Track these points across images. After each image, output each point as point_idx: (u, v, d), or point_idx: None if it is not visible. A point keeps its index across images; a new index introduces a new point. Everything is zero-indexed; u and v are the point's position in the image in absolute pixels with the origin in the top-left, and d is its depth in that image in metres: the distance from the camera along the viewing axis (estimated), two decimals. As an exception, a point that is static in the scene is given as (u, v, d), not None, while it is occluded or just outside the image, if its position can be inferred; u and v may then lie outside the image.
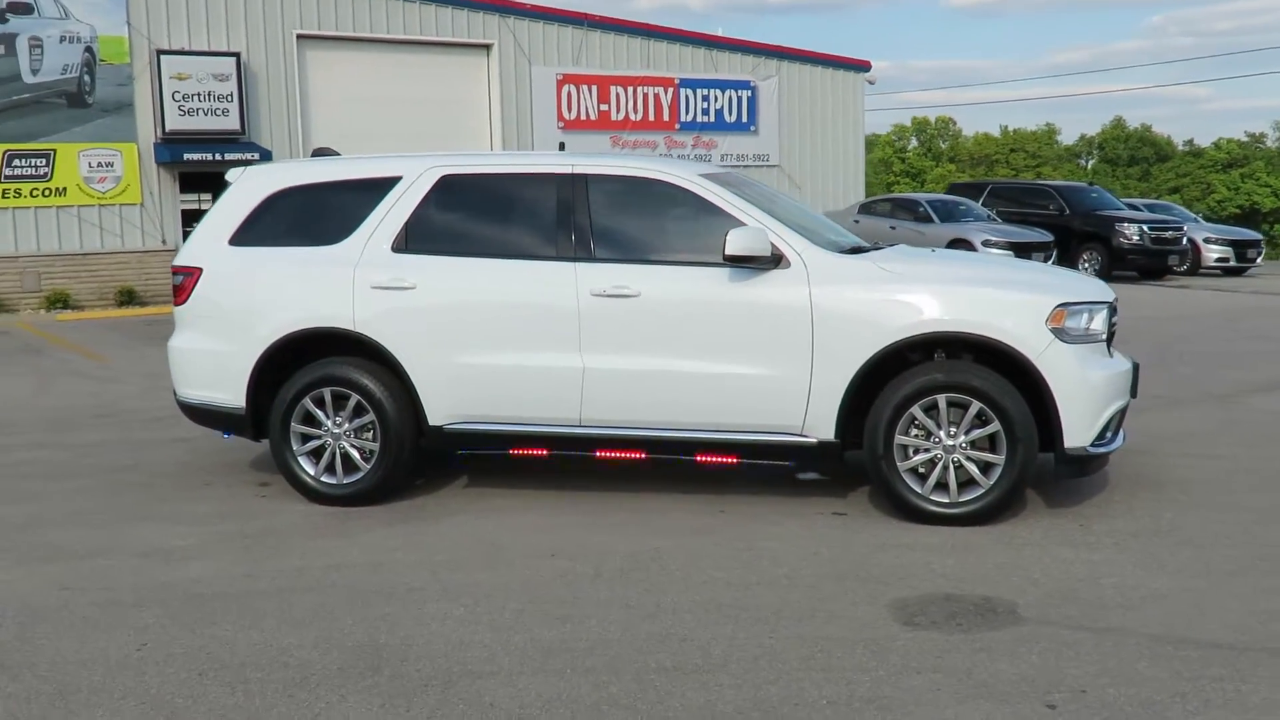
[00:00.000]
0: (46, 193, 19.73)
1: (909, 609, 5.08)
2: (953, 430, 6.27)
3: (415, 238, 6.90)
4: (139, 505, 7.09)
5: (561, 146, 9.28)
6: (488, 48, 23.58)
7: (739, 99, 26.45)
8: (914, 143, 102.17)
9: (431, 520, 6.64)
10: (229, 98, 20.74)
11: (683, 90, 25.77)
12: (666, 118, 25.62)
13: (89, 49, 20.01)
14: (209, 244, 7.25)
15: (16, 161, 19.45)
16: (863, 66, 28.38)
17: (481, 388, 6.76)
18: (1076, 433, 6.22)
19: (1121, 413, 6.56)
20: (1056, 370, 6.17)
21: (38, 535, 6.49)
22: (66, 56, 19.86)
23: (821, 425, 6.41)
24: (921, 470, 6.34)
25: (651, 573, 5.64)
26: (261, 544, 6.25)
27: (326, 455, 6.97)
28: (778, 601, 5.20)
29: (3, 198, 19.38)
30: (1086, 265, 23.66)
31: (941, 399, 6.25)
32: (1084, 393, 6.20)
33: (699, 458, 6.73)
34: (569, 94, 24.40)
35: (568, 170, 6.83)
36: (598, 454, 6.82)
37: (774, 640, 4.75)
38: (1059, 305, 6.23)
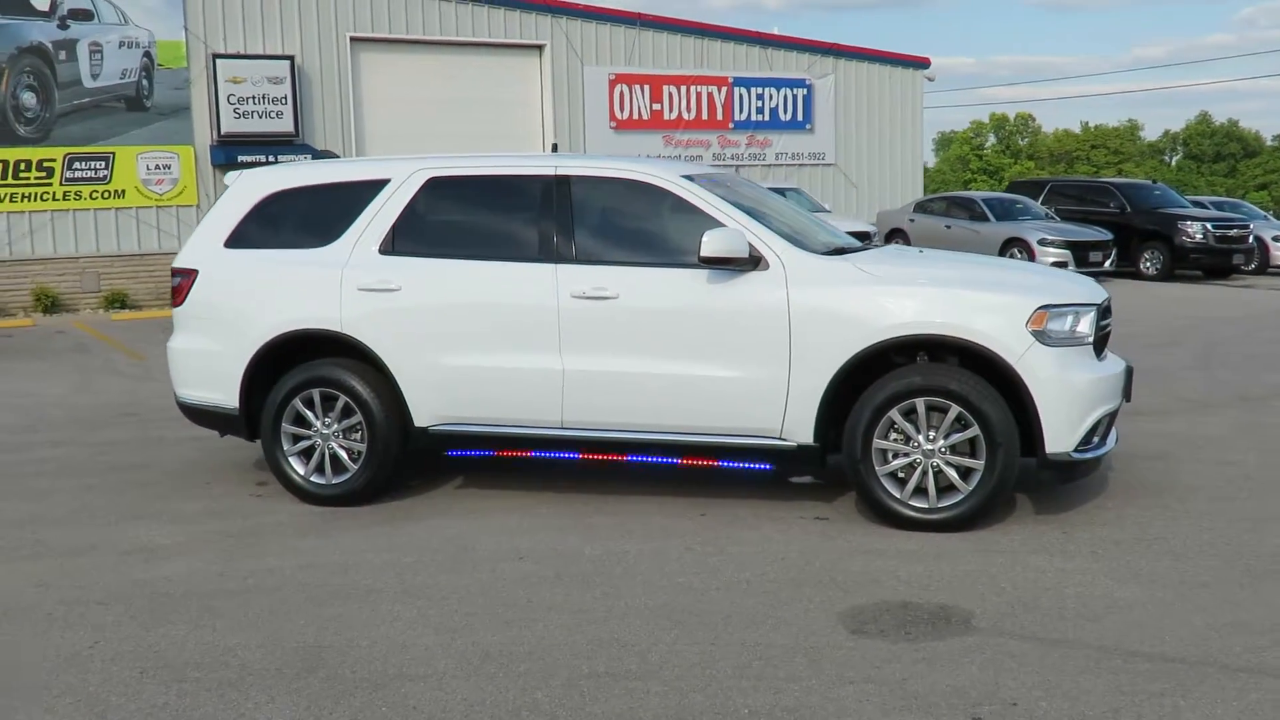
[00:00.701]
0: (106, 195, 20.17)
1: (861, 617, 5.00)
2: (932, 434, 6.16)
3: (402, 240, 6.94)
4: (137, 504, 7.21)
5: (554, 148, 9.27)
6: (540, 48, 23.66)
7: (794, 97, 26.26)
8: (992, 140, 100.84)
9: (413, 521, 6.67)
10: (283, 100, 21.04)
11: (736, 89, 25.64)
12: (720, 117, 25.51)
13: (147, 54, 20.41)
14: (205, 246, 7.35)
15: (77, 164, 19.91)
16: (922, 63, 28.02)
17: (465, 390, 6.78)
18: (1059, 438, 6.08)
19: (1110, 417, 6.40)
20: (1037, 374, 6.03)
21: (32, 532, 6.62)
22: (125, 61, 20.28)
23: (800, 429, 6.33)
24: (901, 475, 6.24)
25: (613, 576, 5.61)
26: (242, 544, 6.32)
27: (316, 456, 7.04)
28: (730, 607, 5.15)
29: (64, 200, 19.85)
30: (1148, 264, 23.16)
31: (920, 403, 6.14)
32: (1066, 397, 6.06)
33: (680, 461, 6.68)
34: (621, 94, 24.41)
35: (550, 172, 6.82)
36: (580, 457, 6.80)
37: (714, 647, 4.71)
38: (1040, 307, 6.09)
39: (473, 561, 5.90)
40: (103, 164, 20.11)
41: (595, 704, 4.21)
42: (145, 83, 20.43)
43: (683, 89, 25.03)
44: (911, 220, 24.85)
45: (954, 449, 6.15)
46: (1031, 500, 6.74)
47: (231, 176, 7.56)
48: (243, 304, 7.14)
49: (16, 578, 5.83)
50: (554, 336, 6.60)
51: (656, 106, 24.81)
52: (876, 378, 6.30)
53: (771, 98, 26.06)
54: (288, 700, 4.29)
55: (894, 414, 6.18)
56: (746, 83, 25.74)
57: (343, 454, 6.99)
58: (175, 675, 4.55)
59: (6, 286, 19.42)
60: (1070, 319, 6.19)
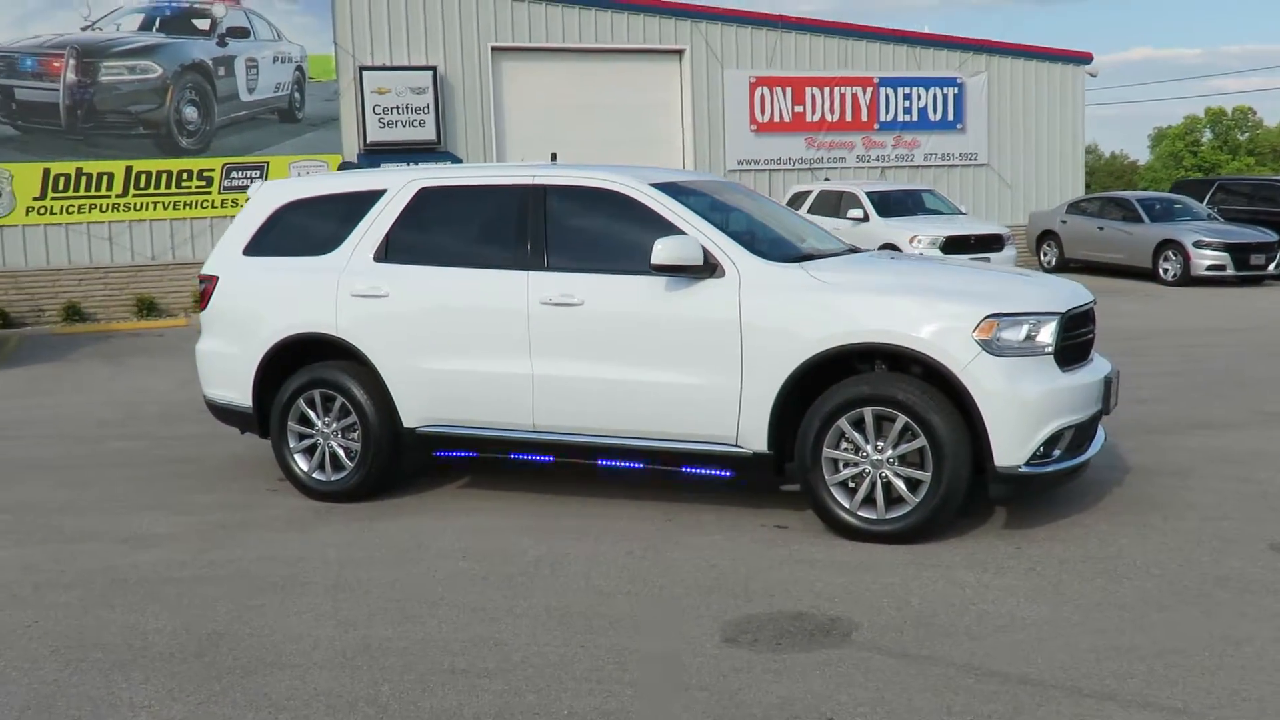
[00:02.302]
0: (259, 202, 21.30)
1: (745, 626, 5.01)
2: (880, 445, 6.07)
3: (395, 248, 7.23)
4: (160, 495, 7.69)
5: (553, 157, 9.41)
6: (679, 53, 23.83)
7: (944, 96, 25.69)
8: (1208, 135, 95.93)
9: (391, 518, 6.94)
10: (425, 109, 21.81)
11: (882, 89, 25.25)
12: (865, 118, 25.16)
13: (299, 67, 21.48)
14: (226, 254, 7.81)
15: (234, 174, 21.09)
16: (1083, 58, 27.00)
17: (446, 392, 7.02)
18: (1007, 451, 5.91)
19: (1079, 430, 6.16)
20: (983, 384, 5.88)
21: (57, 519, 7.16)
22: (279, 75, 21.39)
23: (754, 436, 6.33)
24: (851, 485, 6.17)
25: (538, 578, 5.74)
26: (227, 535, 6.70)
27: (318, 453, 7.39)
28: (625, 612, 5.22)
29: (222, 207, 21.05)
30: (1319, 267, 21.76)
31: (868, 412, 6.07)
32: (1015, 408, 5.88)
33: (645, 466, 6.75)
34: (762, 96, 24.35)
35: (529, 182, 7.00)
36: (554, 460, 6.95)
37: (581, 650, 4.80)
38: (989, 316, 5.93)
39: (417, 559, 6.11)
40: (258, 173, 21.23)
41: (430, 699, 4.36)
42: (297, 95, 21.49)
43: (826, 90, 24.80)
44: (1063, 222, 24.02)
45: (904, 460, 6.05)
46: (1006, 514, 6.55)
47: (253, 188, 8.00)
48: (255, 308, 7.55)
49: (12, 559, 6.33)
50: (525, 342, 6.77)
51: (799, 109, 24.65)
52: (828, 386, 6.24)
53: (920, 97, 25.55)
54: (160, 682, 4.59)
55: (843, 423, 6.12)
56: (893, 82, 25.32)
57: (340, 452, 7.32)
58: (79, 655, 4.90)
59: (169, 289, 20.73)
60: (1025, 328, 6.00)
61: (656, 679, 4.48)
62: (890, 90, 25.31)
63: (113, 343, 17.01)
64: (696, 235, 6.44)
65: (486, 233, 7.10)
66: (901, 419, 5.99)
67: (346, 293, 7.20)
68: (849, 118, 25.05)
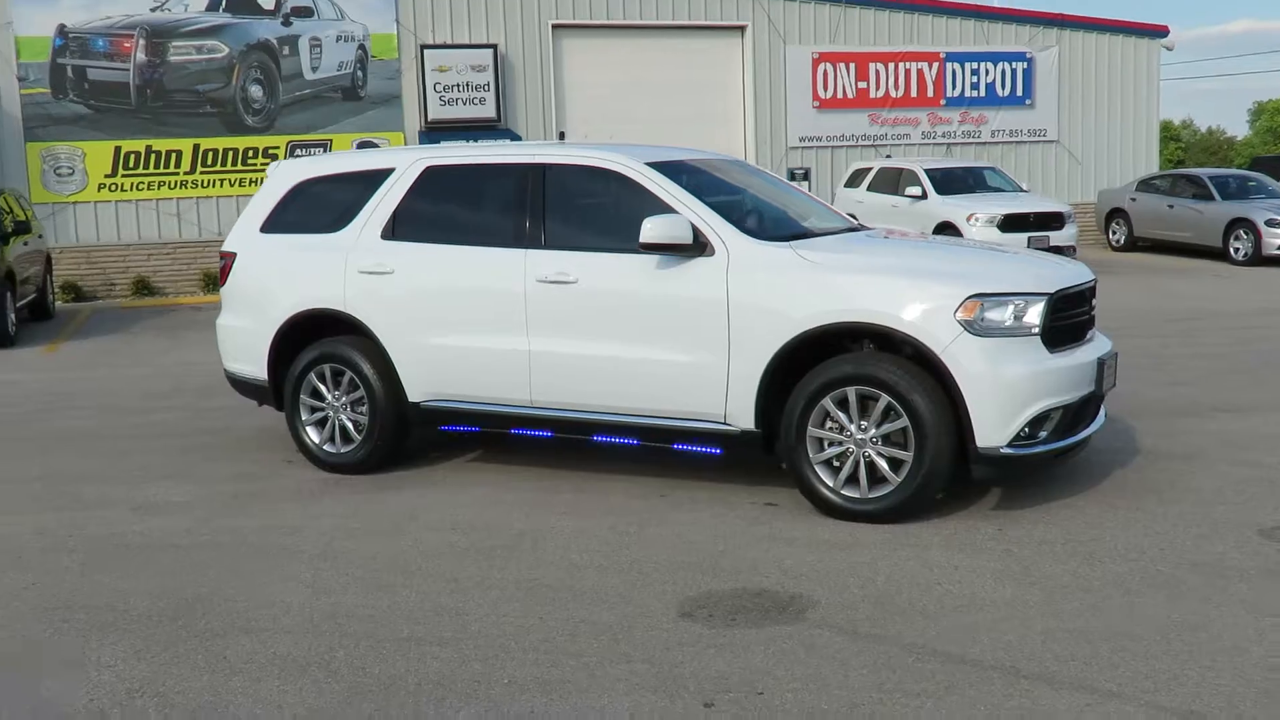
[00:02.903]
0: (323, 179, 21.67)
1: (704, 602, 5.07)
2: (864, 424, 6.08)
3: (401, 225, 7.37)
4: (185, 465, 7.94)
5: (561, 136, 9.46)
6: (741, 29, 23.72)
7: (1013, 71, 25.26)
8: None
9: (395, 490, 7.10)
10: (485, 87, 21.99)
11: (949, 64, 24.90)
12: (931, 94, 24.84)
13: (362, 46, 21.77)
14: (245, 231, 8.01)
15: (299, 152, 21.46)
16: (1159, 32, 26.36)
17: (448, 367, 7.15)
18: (989, 432, 5.89)
19: (1066, 411, 6.10)
20: (963, 364, 5.86)
21: (81, 487, 7.44)
22: (342, 54, 21.71)
23: (742, 414, 6.38)
24: (835, 463, 6.19)
25: (518, 551, 5.86)
26: (236, 504, 6.91)
27: (328, 426, 7.58)
28: (592, 586, 5.31)
29: (287, 184, 21.44)
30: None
31: (851, 391, 6.08)
32: (994, 389, 5.86)
33: (638, 443, 6.82)
34: (825, 72, 24.16)
35: (529, 160, 7.08)
36: (552, 436, 7.05)
37: (537, 621, 4.90)
38: (971, 296, 5.90)
39: (407, 531, 6.26)
40: (321, 151, 21.58)
41: (380, 665, 4.49)
42: (360, 74, 21.79)
43: (891, 66, 24.53)
44: (1133, 199, 23.54)
45: (887, 440, 6.05)
46: (999, 495, 6.52)
47: (272, 167, 8.19)
48: (269, 285, 7.75)
49: (28, 525, 6.60)
50: (522, 318, 6.87)
51: (862, 85, 24.42)
52: (817, 364, 6.26)
53: (988, 72, 25.17)
54: (130, 643, 4.78)
55: (827, 402, 6.14)
56: (960, 57, 24.96)
57: (350, 426, 7.50)
58: (64, 616, 5.12)
59: (234, 264, 21.17)
60: (1010, 309, 5.96)
61: (602, 650, 4.56)
62: (957, 65, 24.96)
63: (173, 317, 17.47)
64: (687, 214, 6.48)
65: (488, 211, 7.21)
66: (884, 398, 5.99)
67: (354, 269, 7.36)
68: (914, 94, 24.76)
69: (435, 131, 21.64)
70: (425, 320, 7.16)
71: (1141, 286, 17.94)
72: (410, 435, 7.61)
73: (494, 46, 22.07)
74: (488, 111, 22.07)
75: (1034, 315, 6.00)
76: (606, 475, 7.21)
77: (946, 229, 19.18)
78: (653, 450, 6.88)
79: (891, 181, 20.84)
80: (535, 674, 4.37)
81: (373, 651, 4.62)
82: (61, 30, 20.30)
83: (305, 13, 21.40)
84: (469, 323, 7.05)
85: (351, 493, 7.08)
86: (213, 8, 20.96)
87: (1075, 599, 4.99)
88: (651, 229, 6.34)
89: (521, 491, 6.97)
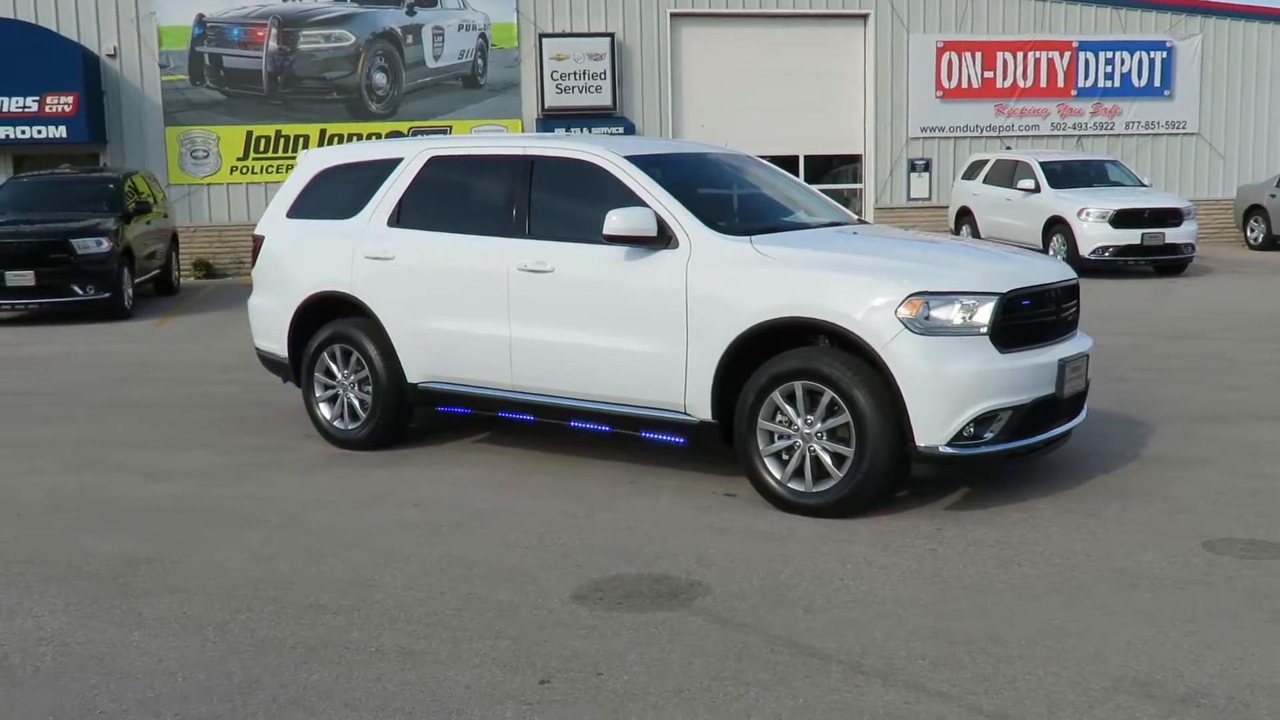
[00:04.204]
0: (442, 165, 22.31)
1: (603, 585, 5.21)
2: (809, 419, 6.12)
3: (406, 213, 7.67)
4: (212, 435, 8.42)
5: (539, 127, 9.56)
6: (863, 18, 23.47)
7: (1150, 61, 24.36)
8: None
9: (387, 466, 7.41)
10: (602, 75, 22.30)
11: (1081, 53, 24.16)
12: (1061, 84, 24.15)
13: (482, 35, 22.33)
14: (273, 216, 8.44)
15: (420, 138, 22.13)
16: (1313, 19, 25.06)
17: (442, 351, 7.43)
18: (928, 430, 5.87)
19: (1016, 413, 6.02)
20: (903, 362, 5.85)
21: (111, 452, 7.97)
22: (463, 43, 22.30)
23: (700, 405, 6.48)
24: (785, 457, 6.24)
25: (464, 528, 6.09)
26: (242, 474, 7.32)
27: (338, 403, 7.95)
28: (512, 565, 5.51)
29: (408, 169, 22.14)
30: None
31: (798, 386, 6.12)
32: (933, 388, 5.83)
33: (610, 430, 6.98)
34: (949, 62, 23.72)
35: (519, 152, 7.30)
36: (535, 420, 7.27)
37: (438, 595, 5.12)
38: (913, 294, 5.88)
39: (374, 506, 6.55)
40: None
41: (270, 628, 4.78)
42: (480, 62, 22.35)
43: (1019, 55, 23.94)
44: (1273, 196, 22.51)
45: (833, 435, 6.08)
46: (965, 493, 6.48)
47: (301, 154, 8.59)
48: (291, 267, 8.16)
49: (44, 484, 7.13)
50: (504, 305, 7.10)
51: (989, 74, 23.91)
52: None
53: (1124, 62, 24.34)
54: (65, 597, 5.16)
55: (776, 395, 6.19)
56: (1094, 46, 24.20)
57: (356, 404, 7.85)
58: (22, 569, 5.55)
59: (356, 245, 21.97)
60: (958, 308, 5.92)
61: (479, 626, 4.76)
62: (1090, 54, 24.22)
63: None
64: (655, 207, 6.59)
65: (481, 201, 7.45)
66: (829, 393, 6.02)
67: (361, 254, 7.70)
68: (1044, 84, 24.14)
69: (551, 119, 22.06)
70: (422, 304, 7.45)
71: (1264, 288, 17.20)
72: (411, 415, 7.92)
73: (611, 35, 22.35)
74: (604, 100, 22.38)
75: (983, 315, 5.94)
76: (590, 461, 7.38)
77: (1057, 224, 18.75)
78: (641, 438, 7.01)
79: (1007, 174, 20.42)
80: (403, 644, 4.59)
81: (271, 616, 4.91)
82: (200, 20, 21.37)
83: (429, 2, 22.06)
84: (460, 308, 7.31)
85: (348, 467, 7.42)
86: (341, -2, 21.76)
87: (967, 600, 4.97)
88: (614, 221, 6.48)
89: (503, 473, 7.20)
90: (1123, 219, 18.19)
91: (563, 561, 5.55)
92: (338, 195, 8.09)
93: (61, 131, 19.89)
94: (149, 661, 4.48)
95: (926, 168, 23.77)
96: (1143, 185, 19.95)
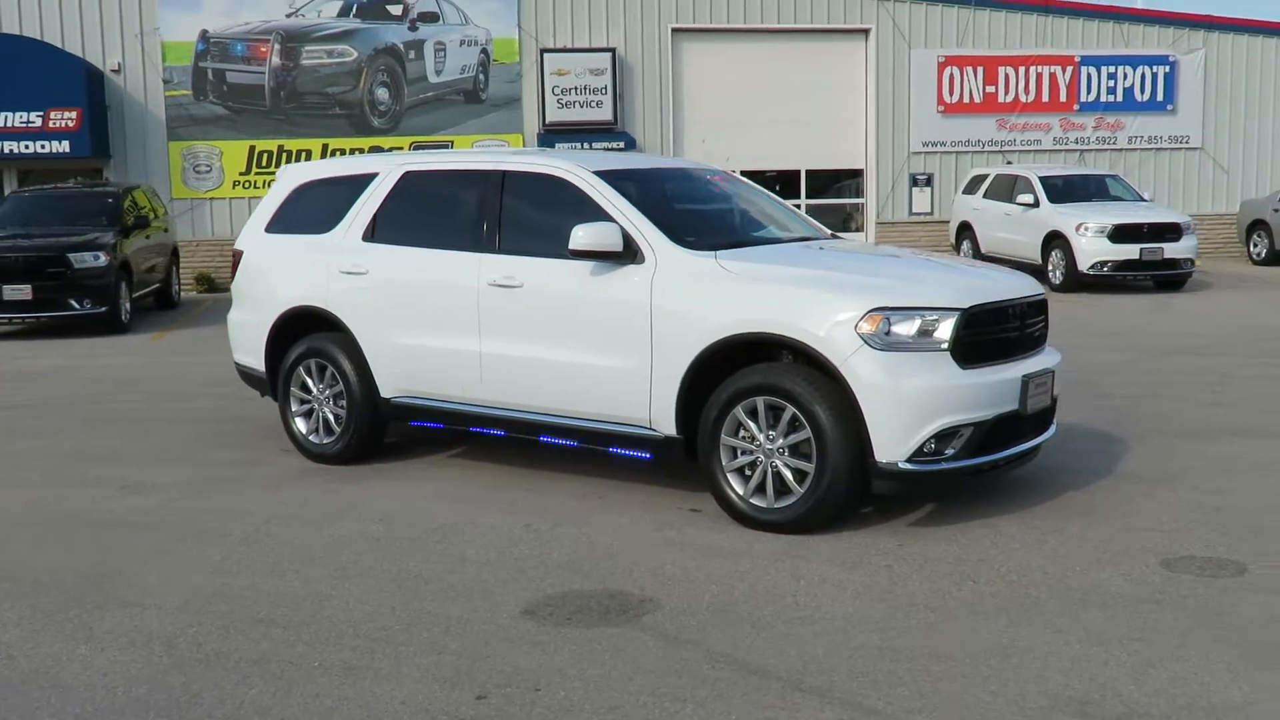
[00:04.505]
0: (444, 179, 22.39)
1: (555, 601, 5.21)
2: (772, 434, 6.12)
3: (380, 228, 7.70)
4: (192, 449, 8.45)
5: (540, 142, 9.60)
6: (865, 32, 23.48)
7: (1153, 75, 24.30)
8: None
9: (358, 481, 7.42)
10: (603, 90, 22.35)
11: (1084, 68, 24.12)
12: (1063, 98, 24.11)
13: (484, 50, 22.41)
14: (252, 231, 8.49)
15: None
16: (1317, 34, 24.98)
17: (413, 365, 7.45)
18: (887, 446, 5.86)
19: (978, 429, 6.01)
20: (862, 377, 5.84)
21: (89, 466, 8.00)
22: (465, 58, 22.38)
23: (664, 420, 6.48)
24: (748, 472, 6.24)
25: (424, 544, 6.10)
26: (215, 488, 7.34)
27: (314, 417, 7.97)
28: (464, 580, 5.51)
29: (410, 184, 22.22)
30: None
31: (760, 401, 6.12)
32: (892, 403, 5.82)
33: (578, 444, 6.99)
34: (951, 76, 23.71)
35: (491, 167, 7.33)
36: (505, 435, 7.28)
37: (389, 611, 5.12)
38: (873, 309, 5.88)
39: (338, 520, 6.56)
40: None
41: (218, 642, 4.79)
42: (481, 77, 22.44)
43: (1021, 70, 23.93)
44: (1276, 210, 22.42)
45: (795, 450, 6.07)
46: (929, 510, 6.46)
47: (281, 169, 8.64)
48: (267, 282, 8.20)
49: (20, 498, 7.17)
50: (475, 320, 7.12)
51: (990, 89, 23.89)
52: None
53: (1126, 76, 24.30)
54: (19, 611, 5.18)
55: (739, 411, 6.19)
56: (1096, 61, 24.17)
57: (331, 418, 7.87)
58: (-19, 583, 5.59)
59: (357, 260, 22.04)
60: (918, 323, 5.91)
61: (425, 641, 4.76)
62: (1093, 69, 24.19)
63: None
64: (622, 222, 6.61)
65: (454, 216, 7.47)
66: (790, 409, 6.02)
67: (336, 269, 7.73)
68: (1046, 98, 24.11)
69: (553, 133, 22.11)
70: (395, 319, 7.47)
71: (1263, 303, 17.14)
72: (386, 429, 7.94)
73: (612, 50, 22.42)
74: (604, 114, 22.43)
75: (944, 330, 5.94)
76: (562, 475, 7.38)
77: (1056, 239, 18.72)
78: (613, 454, 7.01)
79: (1007, 189, 20.41)
80: (347, 659, 4.60)
81: (219, 630, 4.93)
82: (204, 35, 21.51)
83: (431, 18, 22.15)
84: (432, 323, 7.33)
85: (320, 481, 7.44)
86: (344, 14, 21.89)
87: (917, 618, 4.95)
88: (580, 236, 6.50)
89: (473, 488, 7.21)
90: (1121, 234, 18.15)
91: (518, 577, 5.55)
92: (315, 210, 8.12)
93: (65, 146, 20.02)
94: (93, 675, 4.50)
95: (928, 182, 23.75)
96: (1143, 200, 19.90)
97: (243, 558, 5.92)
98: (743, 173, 23.18)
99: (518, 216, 7.16)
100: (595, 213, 6.74)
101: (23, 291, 14.95)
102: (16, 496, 7.21)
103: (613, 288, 6.59)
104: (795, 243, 7.13)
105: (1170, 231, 18.29)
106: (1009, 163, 22.76)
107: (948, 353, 5.95)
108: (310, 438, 7.97)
